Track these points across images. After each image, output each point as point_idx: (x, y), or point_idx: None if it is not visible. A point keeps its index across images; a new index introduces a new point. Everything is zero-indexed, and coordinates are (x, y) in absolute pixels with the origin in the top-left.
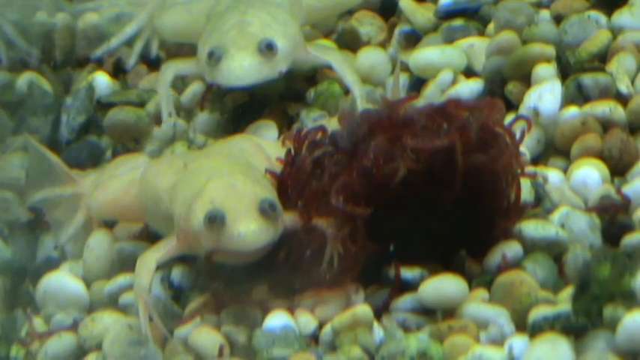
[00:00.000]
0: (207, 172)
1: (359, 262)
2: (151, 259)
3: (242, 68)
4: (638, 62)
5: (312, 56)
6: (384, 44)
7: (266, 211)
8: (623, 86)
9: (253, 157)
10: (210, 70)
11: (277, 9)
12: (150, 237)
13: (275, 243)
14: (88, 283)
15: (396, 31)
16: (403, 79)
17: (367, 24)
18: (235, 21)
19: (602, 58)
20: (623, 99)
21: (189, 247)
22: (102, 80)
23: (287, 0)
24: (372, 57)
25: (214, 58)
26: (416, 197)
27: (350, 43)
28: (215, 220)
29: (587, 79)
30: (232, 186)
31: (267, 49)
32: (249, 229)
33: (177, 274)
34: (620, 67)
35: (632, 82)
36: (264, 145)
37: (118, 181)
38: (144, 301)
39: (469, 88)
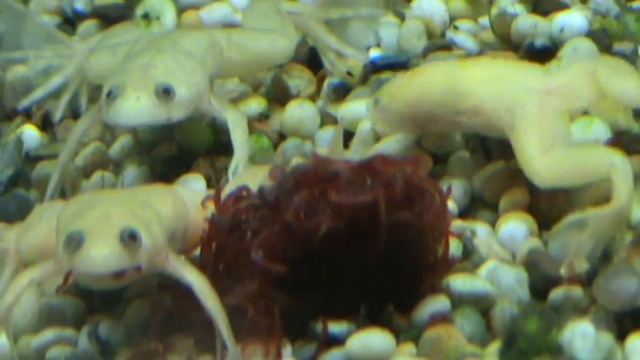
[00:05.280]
0: (96, 203)
1: (275, 319)
2: (24, 277)
3: (134, 108)
4: None
5: (213, 109)
6: (313, 97)
7: (125, 239)
8: None
9: (157, 203)
10: (106, 108)
11: (186, 57)
12: (77, 291)
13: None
14: (15, 338)
15: (325, 83)
16: (331, 132)
17: (296, 77)
18: (141, 63)
19: None
20: None
21: (62, 270)
22: (30, 133)
23: (201, 49)
24: (300, 110)
25: (112, 96)
26: (341, 252)
27: (279, 96)
28: (73, 241)
29: None
30: (107, 215)
31: (164, 93)
32: (99, 253)
33: (104, 328)
34: None
35: None
36: (189, 196)
37: (46, 224)
38: (2, 318)
39: (396, 142)
